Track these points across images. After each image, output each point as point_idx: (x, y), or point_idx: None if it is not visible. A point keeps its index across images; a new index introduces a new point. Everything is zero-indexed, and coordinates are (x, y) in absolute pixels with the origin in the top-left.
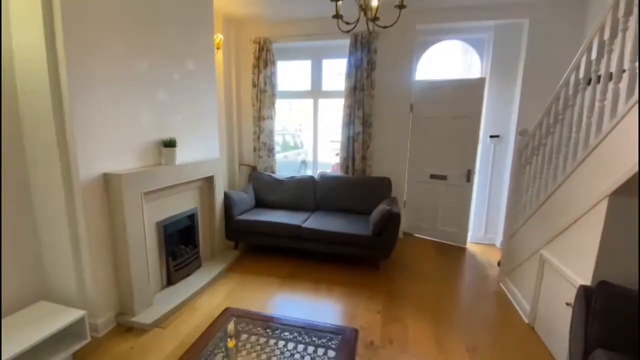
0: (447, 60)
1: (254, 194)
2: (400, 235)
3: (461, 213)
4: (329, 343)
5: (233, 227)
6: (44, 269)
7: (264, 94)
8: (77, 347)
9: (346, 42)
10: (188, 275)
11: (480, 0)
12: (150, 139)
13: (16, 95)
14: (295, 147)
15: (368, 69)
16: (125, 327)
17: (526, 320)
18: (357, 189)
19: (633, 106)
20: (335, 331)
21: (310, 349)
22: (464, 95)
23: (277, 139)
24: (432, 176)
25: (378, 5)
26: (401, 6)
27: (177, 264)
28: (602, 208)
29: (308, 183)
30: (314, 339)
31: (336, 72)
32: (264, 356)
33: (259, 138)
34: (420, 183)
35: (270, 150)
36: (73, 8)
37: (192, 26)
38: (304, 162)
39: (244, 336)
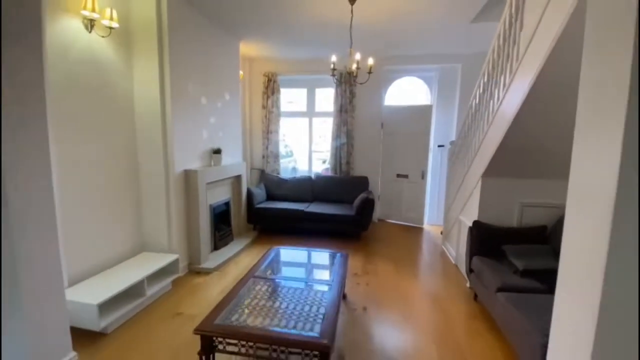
0: (406, 90)
1: (265, 190)
2: (375, 220)
3: (418, 202)
4: (332, 259)
5: (253, 213)
6: (144, 231)
7: (271, 114)
8: (174, 277)
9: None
10: (226, 244)
11: (430, 51)
12: (206, 148)
13: (134, 122)
14: (287, 155)
15: (350, 97)
16: (194, 271)
17: (453, 262)
18: (343, 185)
19: (488, 131)
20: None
21: (323, 257)
22: (418, 116)
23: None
24: (398, 175)
25: (357, 69)
26: (370, 72)
27: (220, 235)
28: (479, 184)
29: (306, 181)
30: (322, 255)
31: (325, 97)
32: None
33: (267, 148)
34: (389, 181)
35: (276, 157)
36: (174, 70)
37: (227, 69)
38: (294, 169)
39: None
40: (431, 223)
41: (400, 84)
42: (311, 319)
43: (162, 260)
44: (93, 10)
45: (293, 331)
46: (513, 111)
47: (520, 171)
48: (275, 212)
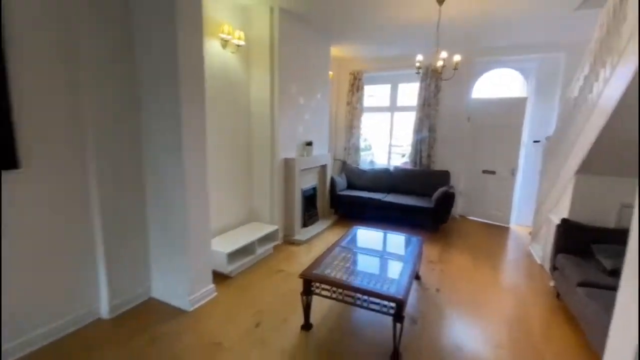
0: (497, 83)
1: (346, 179)
2: (456, 216)
3: (506, 200)
4: (408, 241)
5: (335, 199)
6: (253, 205)
7: (354, 110)
8: (274, 243)
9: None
10: (312, 224)
11: (528, 40)
12: (300, 141)
13: (250, 112)
14: (366, 149)
15: (435, 91)
16: (288, 242)
17: (539, 262)
18: (423, 178)
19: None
20: (410, 236)
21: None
22: (509, 110)
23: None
24: (484, 171)
25: (442, 66)
26: (456, 69)
27: (308, 215)
28: (573, 181)
29: (385, 173)
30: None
31: (408, 92)
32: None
33: (349, 141)
34: (473, 176)
35: (357, 150)
36: (281, 76)
37: (319, 71)
38: (372, 162)
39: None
40: (519, 223)
41: (490, 76)
42: (388, 282)
43: (266, 229)
44: (228, 33)
45: (374, 287)
46: (612, 105)
47: (622, 169)
48: (355, 200)
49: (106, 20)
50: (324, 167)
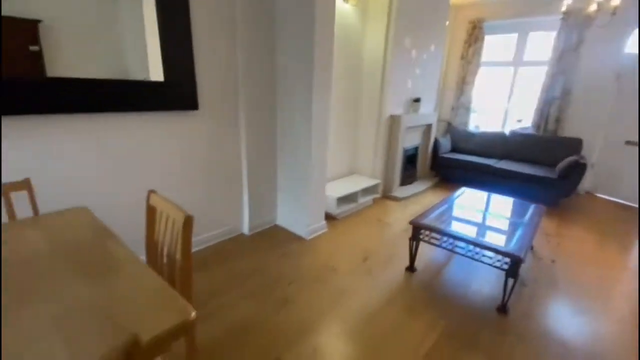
0: None
1: (450, 141)
2: (582, 192)
3: None
4: (524, 207)
5: (437, 162)
6: (356, 158)
7: (469, 64)
8: (374, 196)
9: (553, 18)
10: (410, 183)
11: None
12: (408, 97)
13: (362, 67)
14: (474, 110)
15: (576, 42)
16: (386, 197)
17: None
18: (546, 145)
19: None
20: (528, 203)
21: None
22: None
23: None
24: (627, 142)
25: (597, 10)
26: (614, 14)
27: (407, 174)
28: None
29: (499, 137)
30: (514, 201)
31: (538, 44)
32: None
33: (458, 99)
34: (613, 148)
35: (467, 109)
36: (397, 28)
37: (436, 21)
38: (477, 127)
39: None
40: None
41: None
42: (503, 239)
43: (368, 182)
44: None
45: (487, 242)
46: None
47: None
48: (461, 163)
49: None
50: (429, 126)
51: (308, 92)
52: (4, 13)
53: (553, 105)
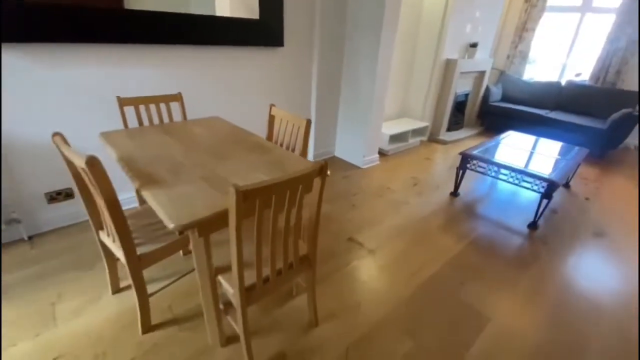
0: None
1: (502, 90)
2: (631, 147)
3: None
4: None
5: (486, 110)
6: (407, 101)
7: (533, 8)
8: (422, 138)
9: None
10: (456, 130)
11: None
12: (465, 42)
13: (421, 12)
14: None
15: None
16: (433, 140)
17: None
18: (602, 97)
19: None
20: (571, 145)
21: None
22: None
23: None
24: None
25: None
26: None
27: (453, 121)
28: None
29: (554, 87)
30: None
31: None
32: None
33: (516, 47)
34: None
35: (524, 58)
36: None
37: None
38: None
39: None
40: None
41: None
42: (542, 167)
43: (417, 124)
44: None
45: (527, 169)
46: None
47: None
48: (510, 112)
49: None
50: (482, 73)
51: (376, 33)
52: None
53: (616, 56)
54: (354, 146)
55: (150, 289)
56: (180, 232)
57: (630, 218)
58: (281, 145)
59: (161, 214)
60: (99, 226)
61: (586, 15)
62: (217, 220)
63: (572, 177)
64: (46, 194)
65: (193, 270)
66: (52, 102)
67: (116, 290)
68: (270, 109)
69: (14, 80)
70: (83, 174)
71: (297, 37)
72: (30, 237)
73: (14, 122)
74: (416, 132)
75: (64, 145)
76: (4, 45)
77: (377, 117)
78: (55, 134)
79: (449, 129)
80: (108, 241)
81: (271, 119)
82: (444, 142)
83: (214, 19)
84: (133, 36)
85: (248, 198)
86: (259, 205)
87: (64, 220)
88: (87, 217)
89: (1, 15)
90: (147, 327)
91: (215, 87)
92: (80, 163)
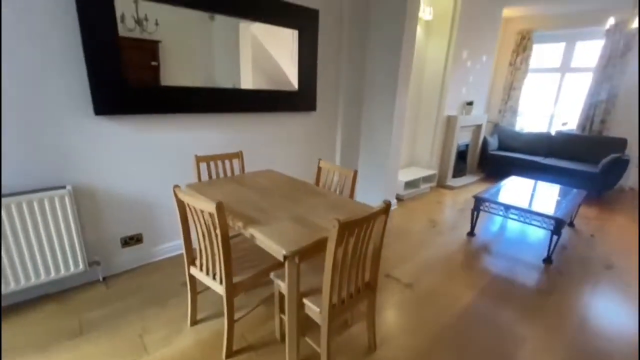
0: None
1: (498, 141)
2: (626, 188)
3: None
4: (566, 191)
5: (485, 158)
6: (415, 151)
7: (517, 71)
8: (431, 185)
9: (600, 28)
10: (461, 176)
11: None
12: (462, 101)
13: (423, 76)
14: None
15: (623, 50)
16: (441, 186)
17: None
18: (591, 144)
19: None
20: (570, 188)
21: (558, 187)
22: None
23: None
24: None
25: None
26: None
27: (457, 168)
28: None
29: (544, 136)
30: (557, 186)
31: (585, 52)
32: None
33: (506, 103)
34: None
35: (514, 112)
36: (457, 43)
37: (488, 34)
38: (521, 129)
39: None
40: None
41: None
42: (548, 208)
43: (427, 172)
44: (423, 11)
45: (536, 210)
46: None
47: None
48: (509, 160)
49: (357, 26)
50: (479, 126)
51: (392, 95)
52: (137, 36)
53: (598, 108)
54: (374, 191)
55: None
56: (284, 259)
57: (634, 252)
58: (328, 190)
59: (272, 244)
60: (192, 261)
61: (566, 74)
62: (312, 249)
63: (575, 216)
64: (121, 238)
65: (270, 296)
66: (135, 159)
67: (194, 322)
68: (319, 162)
69: (108, 142)
70: (206, 216)
71: (325, 101)
72: (104, 279)
73: (103, 175)
74: (426, 179)
75: (184, 193)
76: (106, 117)
77: (394, 165)
78: (175, 186)
79: (454, 176)
80: (200, 274)
81: (319, 170)
82: (451, 188)
83: (266, 92)
84: (203, 107)
85: (344, 229)
86: (347, 236)
87: (131, 263)
88: (151, 260)
89: (110, 93)
90: (230, 352)
91: (265, 144)
92: (209, 208)
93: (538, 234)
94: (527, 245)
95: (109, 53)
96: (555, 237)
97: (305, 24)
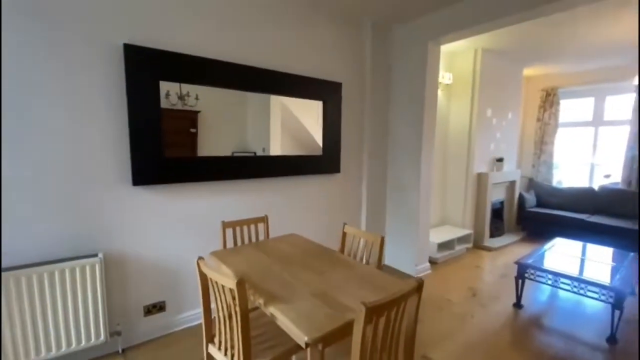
0: None
1: (535, 197)
2: None
3: None
4: (622, 256)
5: (524, 216)
6: (446, 210)
7: (546, 126)
8: (467, 246)
9: (629, 83)
10: (499, 235)
11: None
12: (491, 157)
13: (447, 135)
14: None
15: None
16: (478, 247)
17: None
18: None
19: None
20: (627, 252)
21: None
22: None
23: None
24: None
25: None
26: None
27: (494, 227)
28: None
29: (587, 192)
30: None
31: (618, 105)
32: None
33: (539, 158)
34: None
35: (549, 166)
36: (480, 102)
37: (512, 92)
38: (559, 182)
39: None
40: None
41: None
42: (604, 277)
43: (461, 232)
44: (442, 77)
45: (591, 279)
46: None
47: None
48: (549, 218)
49: (379, 93)
50: (512, 182)
51: (416, 154)
52: (183, 107)
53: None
54: (404, 255)
55: None
56: (307, 346)
57: None
58: (354, 257)
59: (293, 328)
60: (210, 339)
61: (600, 128)
62: (337, 333)
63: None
64: (145, 306)
65: None
66: (165, 226)
67: None
68: (344, 227)
69: (141, 211)
70: (227, 291)
71: (349, 163)
72: (123, 350)
73: (133, 242)
74: (461, 239)
75: (208, 267)
76: (142, 187)
77: (425, 226)
78: (200, 258)
79: (491, 235)
80: (219, 354)
81: (344, 235)
82: (490, 249)
83: (293, 157)
84: (233, 173)
85: (372, 313)
86: (376, 319)
87: (152, 333)
88: (172, 330)
89: (149, 165)
90: None
91: (289, 207)
92: (230, 284)
93: (595, 304)
94: (585, 318)
95: (152, 130)
96: (617, 312)
97: (330, 96)
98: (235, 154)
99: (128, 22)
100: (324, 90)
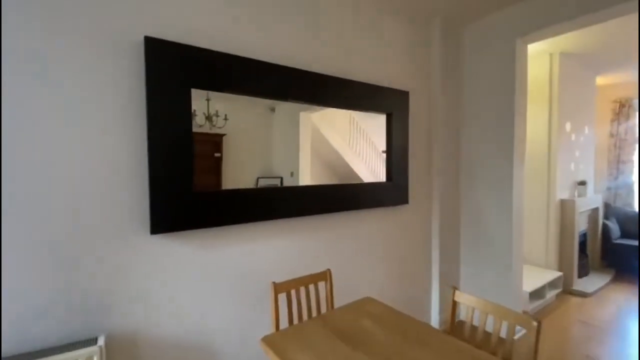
0: None
1: (618, 225)
2: None
3: None
4: None
5: (610, 250)
6: (526, 246)
7: (623, 142)
8: (557, 291)
9: None
10: (585, 275)
11: None
12: (572, 180)
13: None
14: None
15: None
16: (568, 292)
17: None
18: None
19: None
20: None
21: None
22: None
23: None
24: None
25: None
26: None
27: (580, 265)
28: None
29: None
30: None
31: None
32: None
33: (616, 179)
34: None
35: (630, 189)
36: (559, 113)
37: (585, 103)
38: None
39: None
40: None
41: None
42: None
43: (549, 274)
44: None
45: None
46: None
47: None
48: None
49: (449, 104)
50: (594, 210)
51: (506, 185)
52: (207, 131)
53: None
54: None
55: None
56: None
57: None
58: (471, 339)
59: None
60: None
61: None
62: None
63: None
64: None
65: None
66: (189, 290)
67: None
68: (454, 293)
69: (157, 268)
70: None
71: (419, 194)
72: None
73: (147, 315)
74: (551, 284)
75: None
76: (163, 236)
77: (517, 273)
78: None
79: (579, 276)
80: None
81: (454, 305)
82: (584, 295)
83: (349, 186)
84: (266, 213)
85: None
86: None
87: None
88: None
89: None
90: None
91: (344, 252)
92: None
93: None
94: None
95: (180, 156)
96: None
97: (396, 107)
98: (260, 179)
99: (150, 8)
100: (390, 100)
